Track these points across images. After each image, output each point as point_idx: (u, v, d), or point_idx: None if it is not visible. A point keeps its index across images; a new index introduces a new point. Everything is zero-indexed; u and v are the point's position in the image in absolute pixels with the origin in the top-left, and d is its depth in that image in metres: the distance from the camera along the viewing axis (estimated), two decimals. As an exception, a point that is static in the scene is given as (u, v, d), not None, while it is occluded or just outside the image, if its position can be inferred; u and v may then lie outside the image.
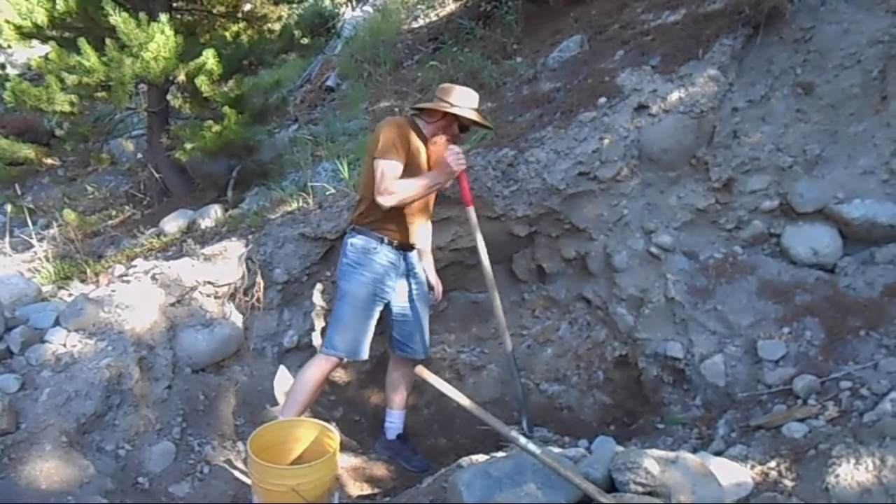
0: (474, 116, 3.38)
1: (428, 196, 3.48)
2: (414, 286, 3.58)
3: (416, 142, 3.36)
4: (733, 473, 2.48)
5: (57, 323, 3.31)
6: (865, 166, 3.65)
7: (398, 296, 3.54)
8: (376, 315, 3.46)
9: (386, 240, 3.40)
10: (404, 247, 3.49)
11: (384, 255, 3.40)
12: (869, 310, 3.25)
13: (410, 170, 3.27)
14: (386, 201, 3.21)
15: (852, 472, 2.28)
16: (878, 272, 3.43)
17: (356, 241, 3.41)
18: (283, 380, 3.93)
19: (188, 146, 5.21)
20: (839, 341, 3.17)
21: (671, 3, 4.52)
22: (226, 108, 5.18)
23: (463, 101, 3.37)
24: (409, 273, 3.56)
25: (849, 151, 3.70)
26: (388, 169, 3.20)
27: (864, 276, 3.45)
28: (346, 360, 3.48)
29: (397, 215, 3.38)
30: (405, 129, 3.33)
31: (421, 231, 3.56)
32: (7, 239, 5.42)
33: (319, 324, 4.23)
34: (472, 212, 3.43)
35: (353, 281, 3.39)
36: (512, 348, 3.56)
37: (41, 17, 5.03)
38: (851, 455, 2.33)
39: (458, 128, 3.47)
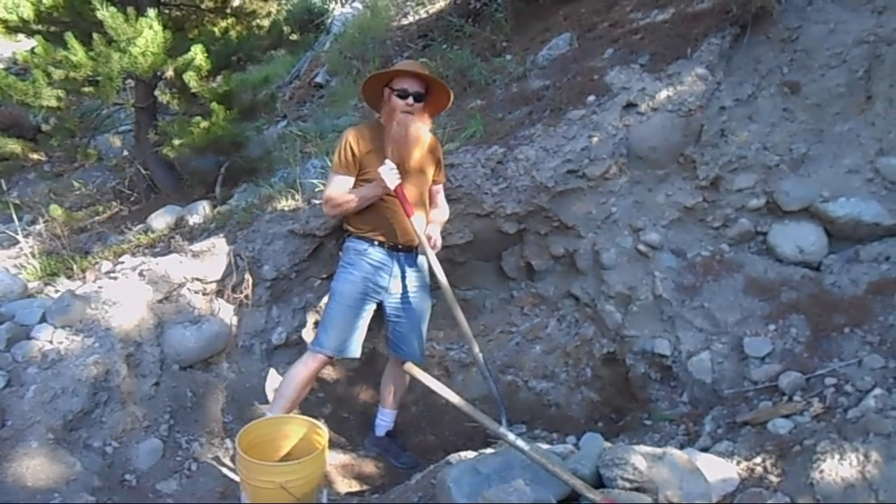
0: (387, 70, 3.35)
1: (421, 192, 3.47)
2: (411, 288, 3.53)
3: (378, 143, 3.36)
4: (719, 469, 2.51)
5: (43, 319, 3.29)
6: (851, 165, 3.69)
7: (393, 296, 3.50)
8: (366, 314, 3.45)
9: (376, 242, 3.41)
10: (398, 248, 3.47)
11: (375, 255, 3.41)
12: (853, 307, 3.28)
13: (373, 172, 3.31)
14: (324, 209, 3.54)
15: (837, 468, 2.31)
16: (862, 270, 3.47)
17: (349, 245, 3.48)
18: (273, 379, 3.92)
19: (176, 142, 5.18)
20: (824, 338, 3.20)
21: (660, 2, 4.55)
22: (214, 104, 5.15)
23: (388, 71, 3.42)
24: (404, 275, 3.51)
25: (834, 150, 3.74)
26: (330, 181, 3.42)
27: (848, 273, 3.48)
28: (333, 358, 3.47)
29: (383, 217, 3.39)
30: (360, 135, 3.36)
31: (417, 227, 3.47)
32: (-8, 235, 5.37)
33: (310, 320, 4.23)
34: (415, 220, 3.35)
35: (342, 280, 3.41)
36: (479, 349, 3.52)
37: (27, 11, 4.97)
38: (836, 451, 2.36)
39: (412, 99, 3.30)
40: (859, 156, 3.68)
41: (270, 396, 3.85)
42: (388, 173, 3.24)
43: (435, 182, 3.60)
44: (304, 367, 3.37)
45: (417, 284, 3.56)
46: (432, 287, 3.65)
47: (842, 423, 2.61)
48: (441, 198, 3.68)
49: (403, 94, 3.31)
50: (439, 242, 3.43)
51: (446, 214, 3.69)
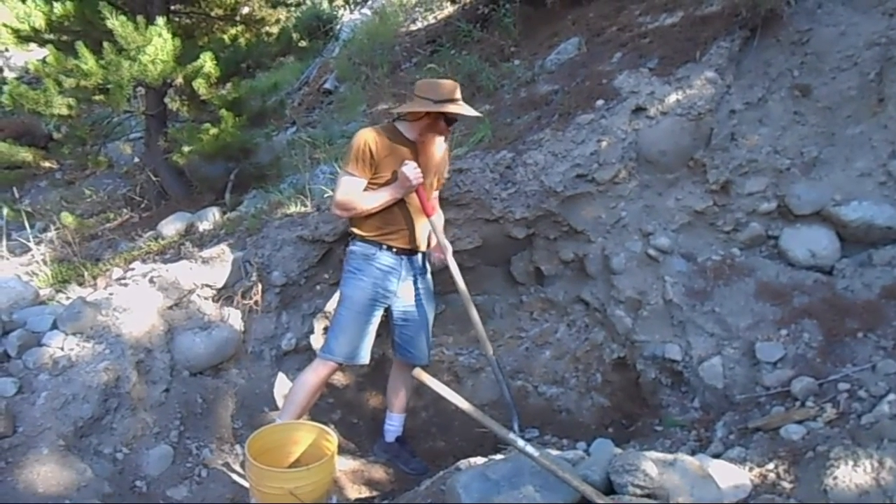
0: (458, 110, 3.29)
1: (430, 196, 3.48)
2: (420, 291, 3.54)
3: (394, 147, 3.33)
4: (732, 475, 2.49)
5: (54, 326, 3.31)
6: (863, 168, 3.66)
7: (400, 300, 3.50)
8: (376, 320, 3.44)
9: (385, 246, 3.39)
10: (406, 252, 3.46)
11: (383, 260, 3.39)
12: (867, 311, 3.25)
13: (387, 176, 3.31)
14: (336, 212, 3.41)
15: (850, 474, 2.29)
16: (875, 274, 3.43)
17: (356, 249, 3.44)
18: (282, 385, 3.93)
19: (186, 149, 5.21)
20: (837, 343, 3.17)
21: (668, 5, 4.53)
22: (223, 111, 5.18)
23: (443, 94, 3.28)
24: (414, 277, 3.52)
25: (846, 153, 3.71)
26: (344, 183, 3.32)
27: (861, 277, 3.45)
28: (344, 364, 3.47)
29: (395, 221, 3.38)
30: (377, 138, 3.30)
31: (424, 232, 3.49)
32: (4, 242, 5.39)
33: (319, 326, 4.23)
34: (434, 220, 3.42)
35: (351, 286, 3.39)
36: (493, 352, 3.54)
37: (39, 21, 5.02)
38: (849, 457, 2.34)
39: (445, 120, 3.35)
40: (871, 159, 3.65)
41: (280, 402, 3.85)
42: (413, 171, 3.24)
43: (435, 188, 3.63)
44: (315, 375, 3.36)
45: (424, 287, 3.57)
46: (445, 291, 3.65)
47: (855, 428, 2.58)
48: (437, 202, 3.70)
49: (451, 122, 3.38)
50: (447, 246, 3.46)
51: (442, 218, 3.72)
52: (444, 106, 3.25)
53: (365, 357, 3.42)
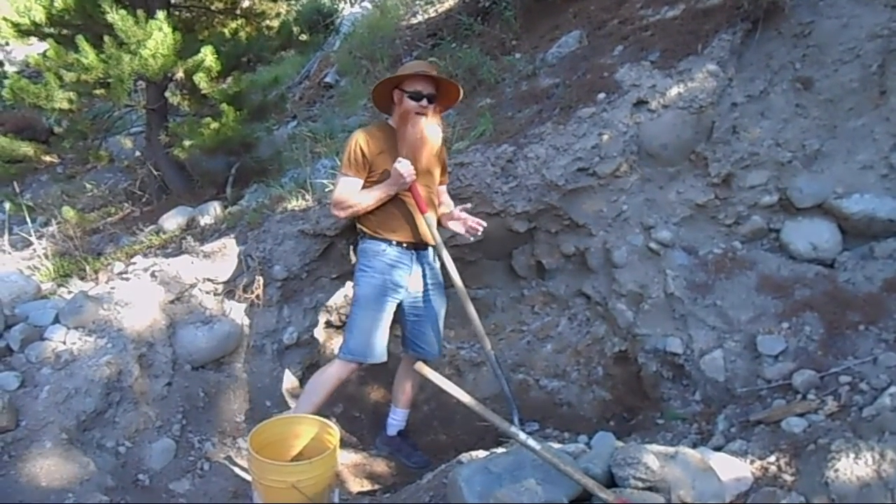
0: (403, 72, 3.33)
1: (430, 191, 3.48)
2: (428, 286, 3.54)
3: (386, 145, 3.37)
4: (733, 468, 2.49)
5: (56, 320, 3.32)
6: (865, 161, 3.65)
7: (410, 294, 3.50)
8: (388, 315, 3.43)
9: (394, 242, 3.40)
10: (414, 246, 3.47)
11: (392, 254, 3.40)
12: (868, 304, 3.25)
13: (384, 171, 3.33)
14: (334, 212, 3.46)
15: (852, 467, 2.29)
16: (877, 267, 3.43)
17: (365, 247, 3.46)
18: (289, 381, 3.94)
19: (187, 143, 5.20)
20: (838, 336, 3.17)
21: (670, -2, 4.51)
22: (224, 105, 5.16)
23: (403, 70, 3.40)
24: (422, 272, 3.52)
25: (848, 146, 3.71)
26: (341, 183, 3.38)
27: (863, 270, 3.45)
28: (363, 364, 3.44)
29: (396, 216, 3.39)
30: (369, 138, 3.34)
31: (430, 226, 3.49)
32: (6, 237, 5.40)
33: (321, 320, 4.24)
34: (430, 217, 3.42)
35: (363, 283, 3.41)
36: (491, 348, 3.55)
37: (39, 15, 5.01)
38: (851, 450, 2.34)
39: (426, 101, 3.32)
40: (873, 151, 3.65)
41: (287, 398, 3.87)
42: (406, 168, 3.25)
43: (440, 183, 3.64)
44: (335, 374, 3.37)
45: (433, 282, 3.57)
46: (445, 286, 3.65)
47: (857, 421, 2.58)
48: (446, 196, 3.72)
49: (417, 97, 3.32)
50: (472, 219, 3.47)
51: (452, 207, 3.70)
52: (399, 78, 3.33)
53: (380, 354, 3.40)
